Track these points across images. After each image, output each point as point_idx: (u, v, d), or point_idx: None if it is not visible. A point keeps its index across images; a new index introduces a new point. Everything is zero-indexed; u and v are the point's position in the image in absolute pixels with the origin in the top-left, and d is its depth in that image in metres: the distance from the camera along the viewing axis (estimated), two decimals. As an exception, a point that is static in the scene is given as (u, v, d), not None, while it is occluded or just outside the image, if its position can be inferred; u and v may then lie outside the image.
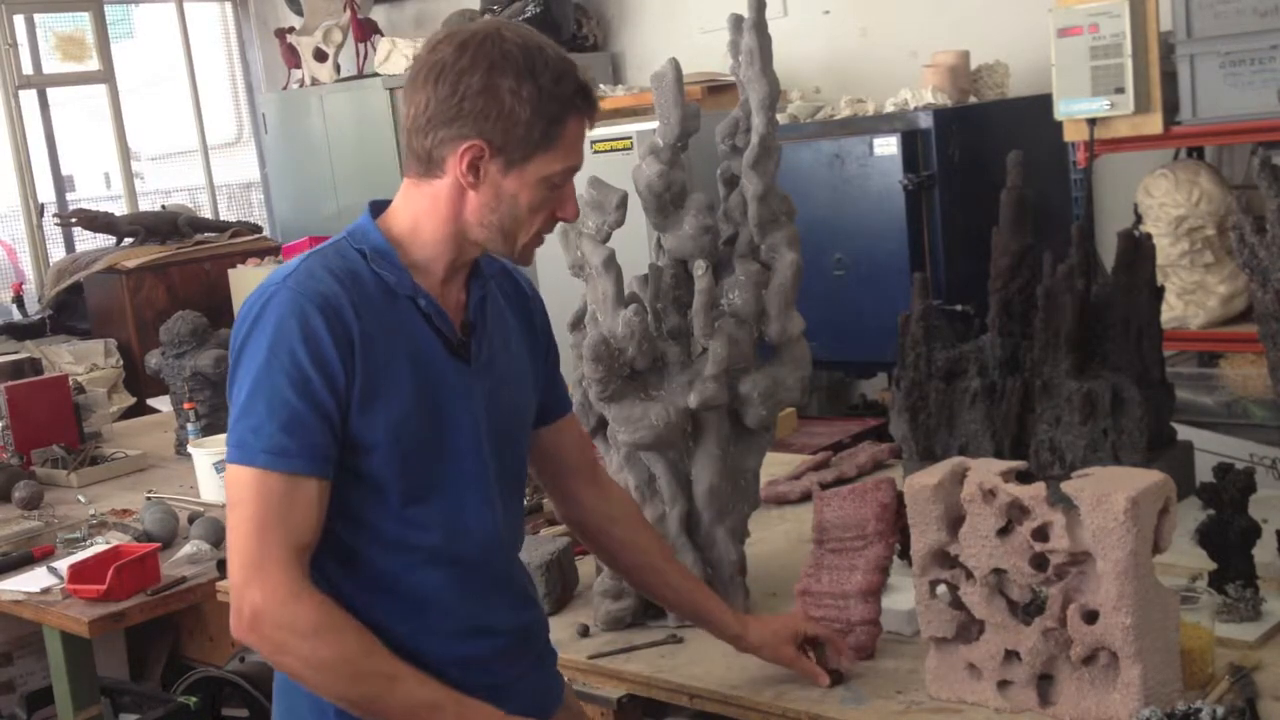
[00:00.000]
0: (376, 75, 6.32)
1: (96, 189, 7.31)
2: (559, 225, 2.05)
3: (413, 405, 1.68)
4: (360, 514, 1.70)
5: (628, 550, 2.04)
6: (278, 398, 1.62)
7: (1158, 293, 2.64)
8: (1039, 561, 1.80)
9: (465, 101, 1.64)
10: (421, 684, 1.66)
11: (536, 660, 1.89)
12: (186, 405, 3.96)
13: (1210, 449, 3.20)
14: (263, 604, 1.61)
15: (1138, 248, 2.62)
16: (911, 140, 4.37)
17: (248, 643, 1.66)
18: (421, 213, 1.72)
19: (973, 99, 4.67)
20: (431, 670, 1.68)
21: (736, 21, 2.31)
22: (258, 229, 6.73)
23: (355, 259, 1.70)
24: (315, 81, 6.71)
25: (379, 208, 1.77)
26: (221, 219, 7.02)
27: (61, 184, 6.99)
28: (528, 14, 5.66)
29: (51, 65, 6.83)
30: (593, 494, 2.02)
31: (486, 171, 1.67)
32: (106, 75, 6.82)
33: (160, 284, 6.16)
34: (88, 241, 6.75)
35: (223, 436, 3.78)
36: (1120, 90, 3.85)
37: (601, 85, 5.55)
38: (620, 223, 2.25)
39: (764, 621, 2.06)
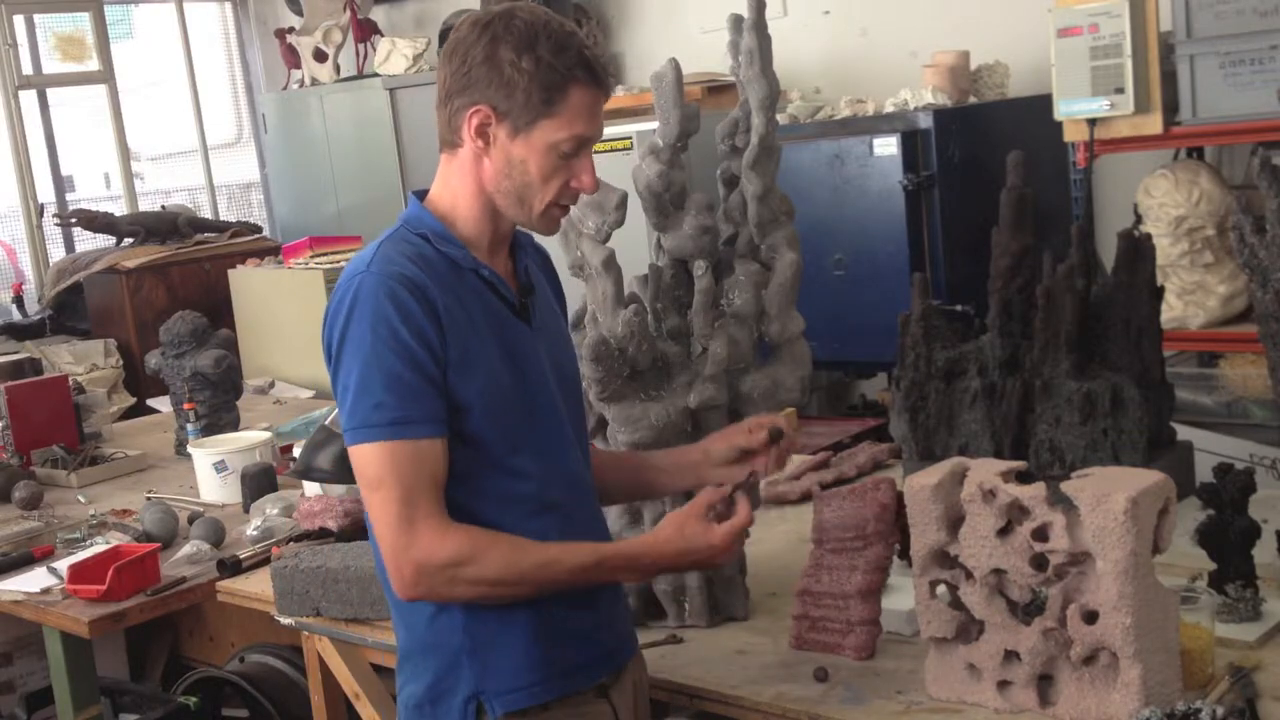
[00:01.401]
0: (376, 75, 6.32)
1: (96, 189, 7.30)
2: (561, 223, 2.10)
3: (497, 366, 1.83)
4: (468, 473, 1.83)
5: (609, 476, 2.12)
6: (390, 374, 1.75)
7: (1158, 293, 2.64)
8: (1039, 561, 1.80)
9: (471, 71, 1.80)
10: (574, 552, 1.85)
11: (619, 596, 2.03)
12: (186, 405, 3.95)
13: (1210, 449, 3.21)
14: (422, 556, 1.76)
15: (1138, 248, 2.62)
16: (911, 140, 4.38)
17: (417, 597, 1.81)
18: (456, 187, 1.88)
19: (973, 99, 4.67)
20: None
21: (736, 21, 2.31)
22: (258, 229, 6.72)
23: (419, 243, 1.84)
24: (315, 82, 6.71)
25: (423, 195, 1.92)
26: (221, 219, 7.01)
27: (61, 184, 6.99)
28: (528, 14, 5.65)
29: (51, 65, 6.82)
30: None
31: (495, 137, 1.82)
32: (106, 75, 6.81)
33: (160, 284, 6.16)
34: (88, 241, 6.74)
35: (221, 437, 3.81)
36: (1120, 90, 3.85)
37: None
38: (620, 223, 2.25)
39: (709, 452, 2.10)
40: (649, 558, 1.88)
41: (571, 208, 2.25)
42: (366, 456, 1.77)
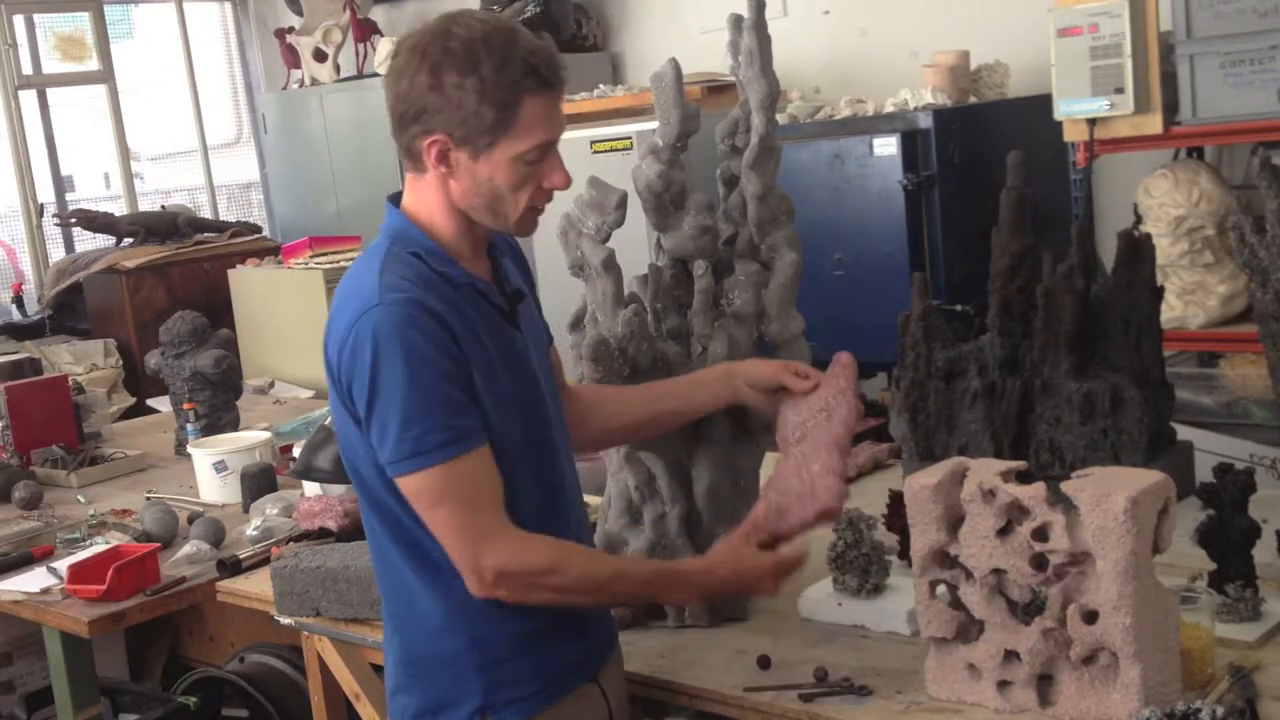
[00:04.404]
0: (376, 75, 6.32)
1: (96, 189, 7.30)
2: (559, 224, 2.12)
3: (504, 381, 1.83)
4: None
5: (618, 419, 2.14)
6: (433, 396, 1.74)
7: (1158, 293, 2.64)
8: (1039, 561, 1.80)
9: (419, 100, 1.76)
10: (640, 568, 2.02)
11: None
12: (186, 405, 3.96)
13: (1210, 449, 3.20)
14: (502, 563, 1.77)
15: (1138, 248, 2.62)
16: (911, 140, 4.37)
17: (494, 597, 1.80)
18: (430, 204, 1.85)
19: (973, 99, 4.66)
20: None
21: (736, 21, 2.31)
22: (258, 229, 6.73)
23: (415, 263, 1.81)
24: (315, 81, 6.71)
25: (396, 199, 1.90)
26: (221, 219, 7.02)
27: (61, 184, 6.99)
28: (527, 14, 5.65)
29: (51, 65, 6.83)
30: (574, 406, 2.10)
31: (457, 160, 1.80)
32: (106, 75, 6.82)
33: (160, 284, 6.16)
34: (87, 241, 6.75)
35: (221, 437, 3.81)
36: (1120, 90, 3.85)
37: (601, 85, 5.55)
38: (620, 223, 2.25)
39: (742, 368, 2.15)
40: (703, 576, 1.95)
41: (572, 208, 2.26)
42: (423, 483, 1.76)
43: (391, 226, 1.87)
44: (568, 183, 1.85)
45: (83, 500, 3.70)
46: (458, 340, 1.76)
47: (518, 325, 1.90)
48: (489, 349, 1.81)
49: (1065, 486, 1.76)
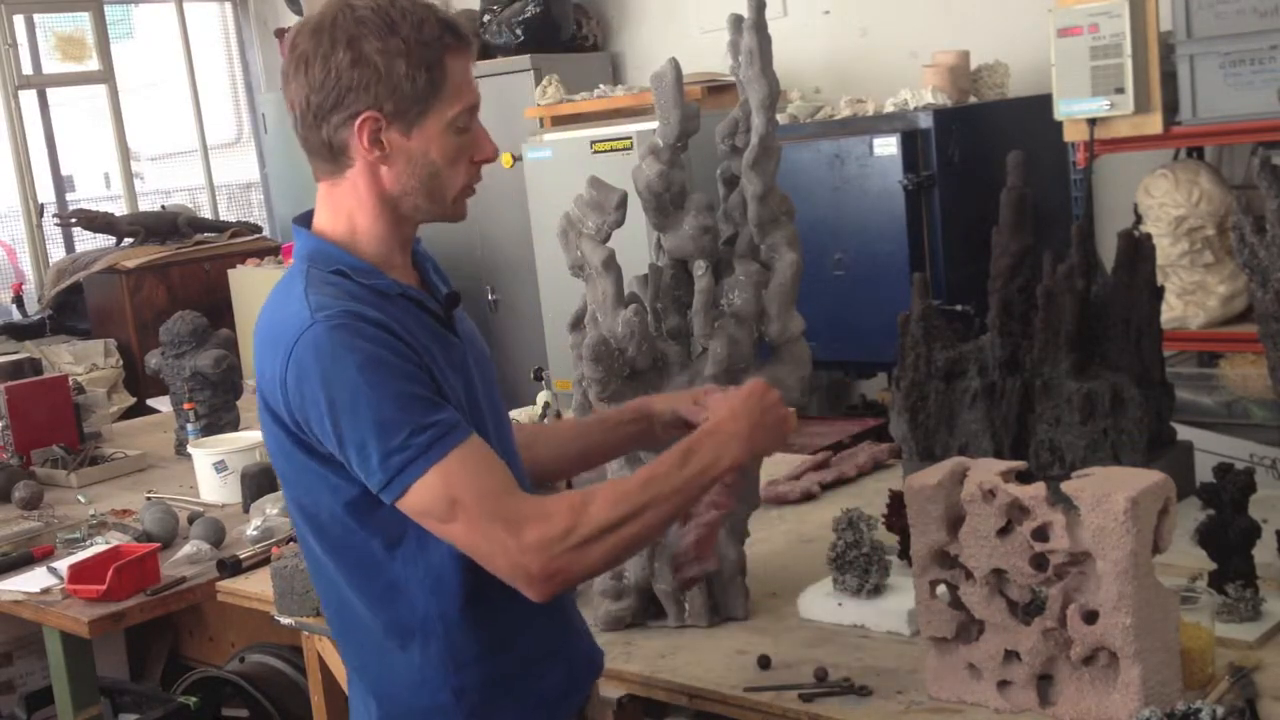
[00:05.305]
0: (376, 75, 6.32)
1: (96, 189, 7.32)
2: (559, 224, 2.09)
3: (454, 386, 1.71)
4: None
5: (555, 456, 2.04)
6: (401, 399, 1.61)
7: (1158, 293, 2.64)
8: (1039, 561, 1.80)
9: (340, 81, 1.64)
10: (661, 461, 1.73)
11: (578, 613, 1.95)
12: (186, 405, 3.96)
13: (1210, 449, 3.21)
14: (538, 543, 1.61)
15: (1138, 248, 2.62)
16: (911, 140, 4.38)
17: (555, 590, 1.66)
18: (352, 210, 1.73)
19: (973, 99, 4.67)
20: (525, 616, 1.73)
21: (736, 21, 2.31)
22: (258, 229, 6.74)
23: (340, 281, 1.69)
24: (315, 81, 6.71)
25: (304, 219, 1.78)
26: (221, 219, 7.03)
27: (61, 184, 7.00)
28: (527, 14, 5.66)
29: (51, 65, 6.84)
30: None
31: (390, 141, 1.68)
32: (106, 75, 6.82)
33: (160, 284, 6.17)
34: (88, 241, 6.75)
35: (221, 437, 3.81)
36: (1120, 90, 3.86)
37: (601, 85, 5.55)
38: (620, 223, 2.25)
39: (658, 407, 2.02)
40: (728, 424, 1.78)
41: (572, 208, 2.26)
42: (424, 492, 1.60)
43: (304, 249, 1.73)
44: (496, 153, 1.77)
45: (83, 500, 3.70)
46: (409, 344, 1.65)
47: (456, 332, 1.79)
48: (439, 359, 1.70)
49: (1065, 486, 1.76)
